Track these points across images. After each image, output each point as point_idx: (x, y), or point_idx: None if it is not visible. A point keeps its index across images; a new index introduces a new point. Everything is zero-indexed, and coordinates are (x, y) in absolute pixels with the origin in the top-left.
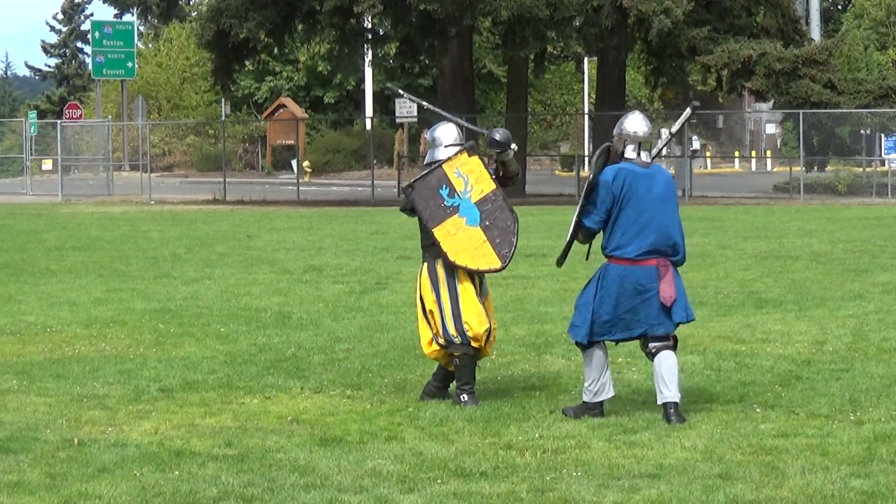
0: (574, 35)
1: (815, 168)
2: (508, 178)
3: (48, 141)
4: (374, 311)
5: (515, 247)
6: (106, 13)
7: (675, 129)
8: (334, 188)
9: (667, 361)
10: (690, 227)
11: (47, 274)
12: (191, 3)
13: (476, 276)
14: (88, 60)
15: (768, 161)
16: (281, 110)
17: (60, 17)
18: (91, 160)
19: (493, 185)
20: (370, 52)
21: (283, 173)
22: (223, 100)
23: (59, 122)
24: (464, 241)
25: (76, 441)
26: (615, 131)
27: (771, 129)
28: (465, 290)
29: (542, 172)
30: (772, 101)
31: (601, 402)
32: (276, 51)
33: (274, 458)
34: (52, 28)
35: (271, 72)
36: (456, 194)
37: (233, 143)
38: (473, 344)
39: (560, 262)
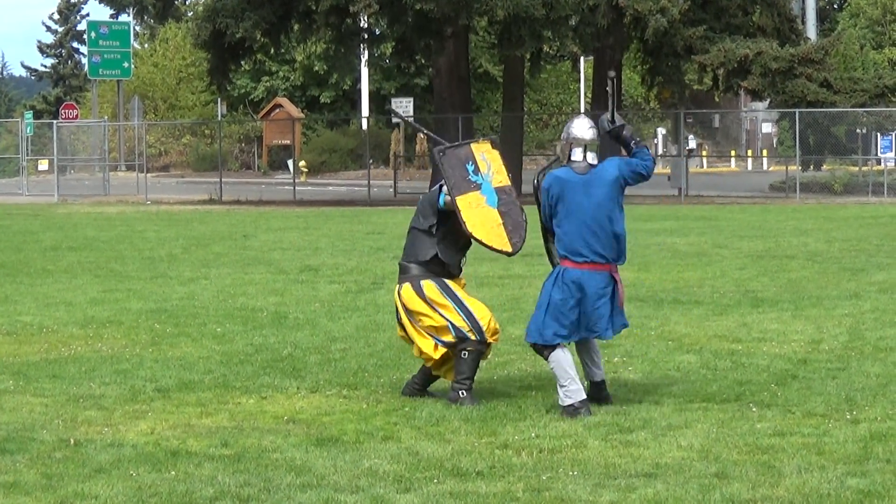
0: (570, 34)
1: (812, 167)
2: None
3: (44, 141)
4: (371, 311)
5: (524, 241)
6: (102, 13)
7: (610, 109)
8: (330, 188)
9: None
10: (687, 227)
11: (43, 274)
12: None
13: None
14: (84, 60)
15: (764, 160)
16: (277, 110)
17: (56, 17)
18: (87, 160)
19: (509, 181)
20: (366, 52)
21: (279, 173)
22: (219, 100)
23: (55, 122)
24: (483, 216)
25: (72, 441)
26: (562, 136)
27: (767, 128)
28: (463, 293)
29: None
30: (768, 101)
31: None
32: (272, 51)
33: (270, 457)
34: (49, 28)
35: (267, 72)
36: (479, 174)
37: (229, 143)
38: (490, 339)
39: (553, 263)
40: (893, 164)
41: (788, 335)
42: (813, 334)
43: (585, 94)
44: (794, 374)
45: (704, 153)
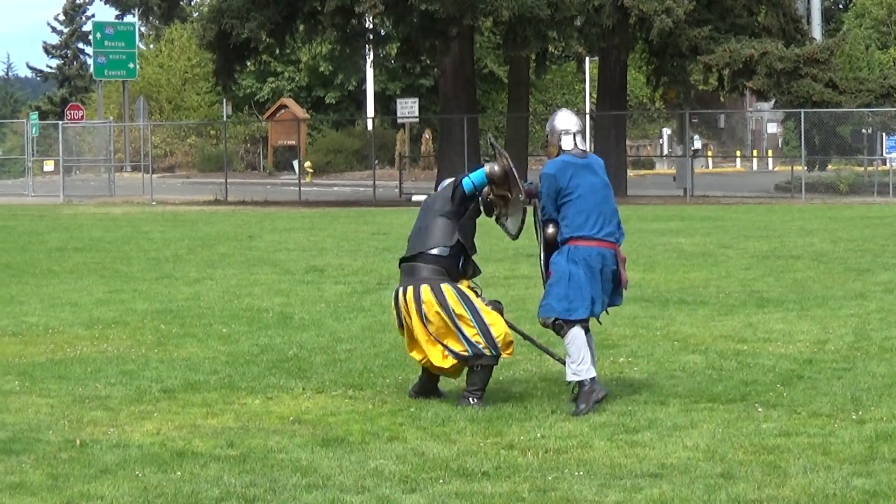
0: (575, 35)
1: (817, 167)
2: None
3: (50, 142)
4: (376, 312)
5: (524, 224)
6: (107, 14)
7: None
8: (336, 188)
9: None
10: (692, 227)
11: (49, 275)
12: (192, 3)
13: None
14: (90, 61)
15: (770, 160)
16: (282, 111)
17: (62, 18)
18: (93, 161)
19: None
20: (371, 53)
21: (284, 174)
22: (224, 100)
23: (60, 123)
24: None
25: (78, 442)
26: (547, 130)
27: (772, 128)
28: (480, 304)
29: None
30: (773, 101)
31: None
32: (277, 51)
33: (276, 458)
34: (54, 29)
35: (273, 72)
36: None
37: (234, 144)
38: (504, 354)
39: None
40: None
41: (794, 335)
42: (818, 334)
43: (590, 94)
44: (799, 374)
45: (710, 153)
